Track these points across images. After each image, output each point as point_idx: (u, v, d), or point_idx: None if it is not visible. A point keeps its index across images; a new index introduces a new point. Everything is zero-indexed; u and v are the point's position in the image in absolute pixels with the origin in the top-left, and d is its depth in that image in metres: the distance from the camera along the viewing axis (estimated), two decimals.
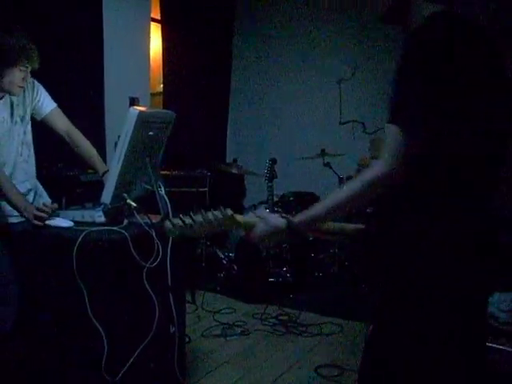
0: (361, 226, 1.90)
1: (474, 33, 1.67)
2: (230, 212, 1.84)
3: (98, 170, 3.07)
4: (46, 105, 3.09)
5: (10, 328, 2.88)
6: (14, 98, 2.94)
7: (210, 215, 1.83)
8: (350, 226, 1.93)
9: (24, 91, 2.97)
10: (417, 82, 1.57)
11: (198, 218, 1.82)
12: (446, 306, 1.60)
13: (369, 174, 1.65)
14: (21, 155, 3.00)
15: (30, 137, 3.06)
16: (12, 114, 2.94)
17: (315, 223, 1.84)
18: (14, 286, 2.83)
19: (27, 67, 2.79)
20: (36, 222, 2.61)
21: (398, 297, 1.67)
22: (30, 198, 3.06)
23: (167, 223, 1.81)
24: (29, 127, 3.05)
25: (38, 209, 2.63)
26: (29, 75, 2.84)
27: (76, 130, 3.15)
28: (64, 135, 3.11)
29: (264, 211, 1.94)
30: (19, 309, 2.88)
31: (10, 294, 2.85)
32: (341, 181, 5.22)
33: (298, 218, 1.82)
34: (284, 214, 1.86)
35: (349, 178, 5.44)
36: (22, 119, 2.99)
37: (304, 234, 1.86)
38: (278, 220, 1.84)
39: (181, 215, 1.81)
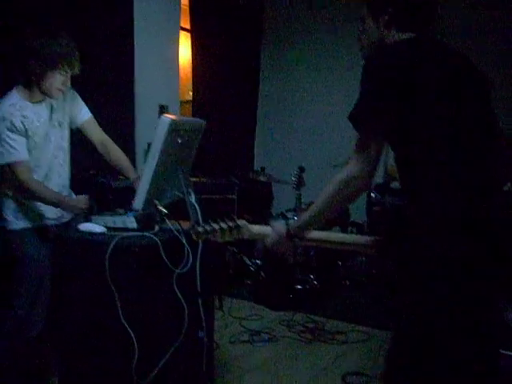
0: (379, 237, 2.03)
1: (430, 49, 1.87)
2: (243, 222, 2.07)
3: (130, 177, 3.13)
4: (83, 114, 3.19)
5: (38, 332, 2.95)
6: (54, 103, 3.03)
7: (224, 224, 2.07)
8: (363, 238, 2.09)
9: (64, 98, 3.07)
10: (364, 88, 1.88)
11: (215, 226, 2.07)
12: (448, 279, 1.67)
13: (340, 174, 1.88)
14: (56, 158, 3.08)
15: (66, 143, 3.15)
16: (51, 118, 3.02)
17: (309, 224, 2.04)
18: (48, 282, 2.91)
19: (67, 72, 2.87)
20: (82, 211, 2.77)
21: (409, 280, 1.76)
22: None
23: (193, 228, 2.10)
24: (66, 133, 3.13)
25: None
26: (69, 80, 2.92)
27: (109, 139, 3.24)
28: (98, 144, 3.21)
29: (276, 221, 2.11)
30: (48, 314, 2.96)
31: (40, 298, 2.93)
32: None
33: (294, 223, 2.06)
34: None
35: (376, 185, 5.43)
36: (60, 124, 3.08)
37: (301, 236, 2.05)
38: (280, 227, 2.08)
39: (202, 223, 2.11)
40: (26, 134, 2.84)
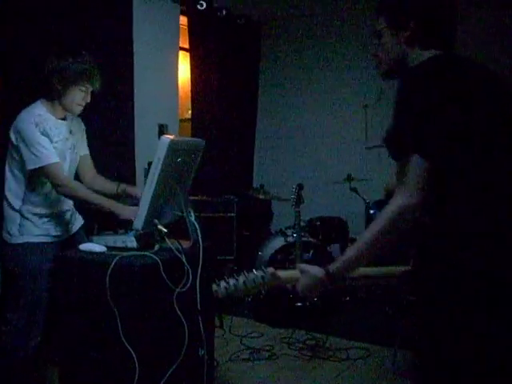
0: (407, 267, 1.93)
1: (462, 65, 1.78)
2: (271, 270, 1.90)
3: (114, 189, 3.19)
4: (84, 148, 3.29)
5: (34, 349, 2.93)
6: (72, 127, 3.12)
7: (252, 275, 1.89)
8: (396, 269, 1.98)
9: (79, 126, 3.20)
10: (402, 111, 1.74)
11: (241, 279, 1.89)
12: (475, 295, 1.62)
13: (391, 207, 1.68)
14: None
15: (75, 166, 3.21)
16: (67, 139, 3.09)
17: (351, 267, 1.83)
18: (47, 296, 2.92)
19: (88, 87, 2.98)
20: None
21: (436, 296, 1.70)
22: (68, 216, 3.18)
23: (214, 285, 1.91)
24: (77, 158, 3.21)
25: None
26: (89, 96, 3.02)
27: (99, 175, 3.32)
28: (89, 179, 3.26)
29: (304, 264, 1.93)
30: (49, 332, 2.95)
31: (38, 314, 2.92)
32: (367, 206, 5.23)
33: (334, 264, 1.82)
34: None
35: (376, 202, 5.45)
36: (74, 148, 3.15)
37: (343, 280, 1.86)
38: (316, 270, 1.85)
39: (225, 277, 1.90)
40: (52, 142, 2.92)
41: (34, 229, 2.99)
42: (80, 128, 3.23)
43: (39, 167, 2.85)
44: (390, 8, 1.91)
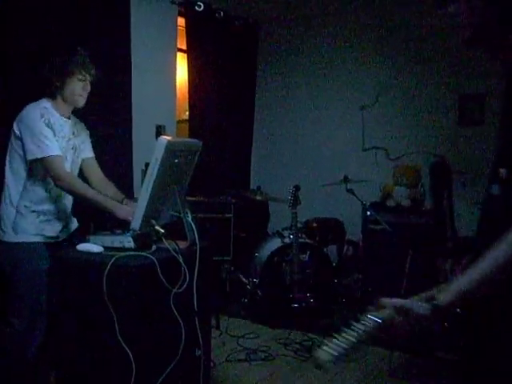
0: None
1: None
2: (377, 322, 1.56)
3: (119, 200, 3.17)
4: (88, 151, 3.31)
5: (36, 349, 2.94)
6: (75, 128, 3.15)
7: (360, 330, 1.54)
8: None
9: (82, 129, 3.23)
10: None
11: (351, 337, 1.49)
12: None
13: None
14: None
15: (77, 169, 3.23)
16: (69, 139, 3.11)
17: (465, 300, 1.47)
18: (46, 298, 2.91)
19: (85, 76, 3.02)
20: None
21: None
22: (64, 217, 3.18)
23: (319, 354, 1.43)
24: (78, 160, 3.22)
25: None
26: (88, 85, 3.06)
27: (106, 178, 3.32)
28: (95, 182, 3.26)
29: (398, 300, 1.53)
30: (46, 332, 2.95)
31: (39, 315, 2.92)
32: (364, 207, 5.24)
33: (445, 298, 1.46)
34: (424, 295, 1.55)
35: (372, 204, 5.46)
36: (75, 149, 3.17)
37: (454, 314, 1.50)
38: (420, 308, 1.48)
39: (327, 342, 1.45)
40: (55, 136, 2.94)
41: (29, 227, 2.98)
42: (83, 131, 3.26)
43: (40, 158, 2.86)
44: None
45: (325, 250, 5.23)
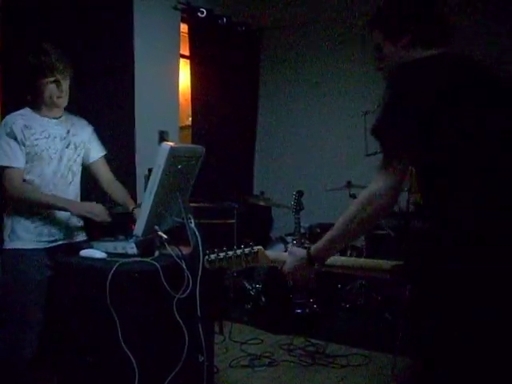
0: (399, 262, 1.93)
1: (457, 63, 1.82)
2: (259, 248, 2.03)
3: (129, 209, 3.15)
4: (95, 150, 3.27)
5: (31, 354, 2.91)
6: (71, 127, 3.11)
7: (239, 251, 2.04)
8: (387, 263, 1.97)
9: (83, 128, 3.19)
10: (390, 102, 1.80)
11: (230, 253, 2.05)
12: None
13: (362, 193, 1.77)
14: (63, 178, 3.08)
15: (78, 167, 3.18)
16: (65, 138, 3.06)
17: (330, 247, 1.92)
18: (38, 310, 2.89)
19: (56, 76, 2.91)
20: (87, 216, 2.82)
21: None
22: (63, 217, 3.11)
23: (206, 258, 2.10)
24: (79, 159, 3.18)
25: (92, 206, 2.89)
26: (64, 84, 2.95)
27: (115, 179, 3.29)
28: (104, 183, 3.25)
29: (292, 247, 2.15)
30: (41, 336, 2.92)
31: (30, 319, 2.89)
32: None
33: (315, 246, 1.94)
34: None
35: None
36: (76, 148, 3.13)
37: (323, 259, 1.95)
38: (300, 251, 2.00)
39: (216, 250, 2.06)
40: (23, 143, 2.88)
41: (24, 234, 2.94)
42: (85, 129, 3.20)
43: None
44: (387, 19, 1.98)
45: None
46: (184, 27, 5.89)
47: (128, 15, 4.97)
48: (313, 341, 4.48)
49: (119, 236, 2.90)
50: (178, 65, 5.84)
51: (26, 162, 2.90)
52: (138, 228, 2.64)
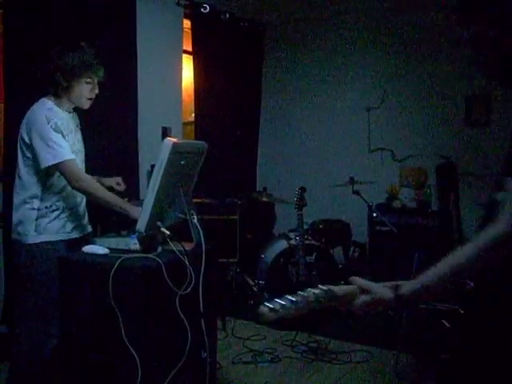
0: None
1: None
2: (331, 289, 1.67)
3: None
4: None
5: (51, 350, 2.92)
6: (77, 120, 3.14)
7: (311, 296, 1.65)
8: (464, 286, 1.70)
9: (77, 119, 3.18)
10: None
11: (298, 300, 1.63)
12: None
13: (488, 236, 1.47)
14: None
15: (83, 156, 3.20)
16: (77, 132, 3.11)
17: (426, 293, 1.60)
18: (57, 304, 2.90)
19: (92, 79, 2.97)
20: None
21: None
22: (81, 211, 3.17)
23: (263, 308, 1.55)
24: (83, 149, 3.20)
25: None
26: (96, 87, 3.01)
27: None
28: None
29: (372, 283, 1.66)
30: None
31: (53, 313, 2.90)
32: (370, 208, 5.23)
33: (408, 288, 1.58)
34: (389, 284, 1.63)
35: (378, 205, 5.45)
36: (79, 142, 3.15)
37: (414, 303, 1.73)
38: (383, 292, 1.62)
39: (277, 299, 1.58)
40: (65, 137, 2.91)
41: (50, 226, 2.96)
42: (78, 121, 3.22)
43: (54, 164, 2.84)
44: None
45: (331, 251, 5.22)
46: (187, 23, 5.88)
47: (131, 11, 4.96)
48: (315, 337, 4.48)
49: (122, 232, 2.89)
50: (181, 61, 5.83)
51: None
52: (141, 224, 2.64)
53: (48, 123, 2.84)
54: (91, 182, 2.93)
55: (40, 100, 2.96)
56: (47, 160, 2.83)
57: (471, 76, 5.46)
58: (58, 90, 2.95)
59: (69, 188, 2.99)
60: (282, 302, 1.58)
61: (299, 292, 1.62)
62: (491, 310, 1.61)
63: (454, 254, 1.51)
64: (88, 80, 2.95)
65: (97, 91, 3.03)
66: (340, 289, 1.69)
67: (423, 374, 3.77)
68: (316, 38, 6.62)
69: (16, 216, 2.99)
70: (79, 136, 3.14)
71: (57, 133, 2.85)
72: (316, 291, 1.64)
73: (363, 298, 1.65)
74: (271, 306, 1.55)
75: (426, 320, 3.62)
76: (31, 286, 2.95)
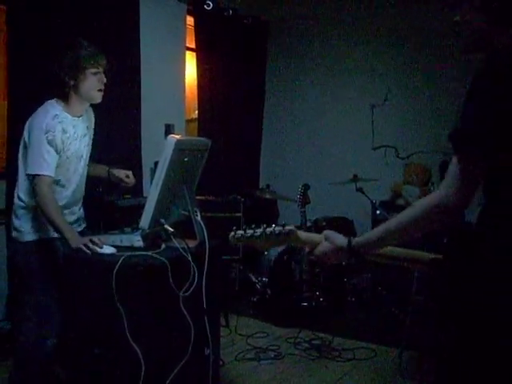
0: (438, 255, 1.85)
1: None
2: (292, 227, 1.89)
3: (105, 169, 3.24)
4: None
5: (53, 345, 2.93)
6: (88, 121, 3.12)
7: (271, 229, 1.89)
8: (426, 256, 1.88)
9: (92, 116, 3.18)
10: (473, 107, 1.58)
11: (260, 230, 1.89)
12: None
13: (427, 199, 1.65)
14: (82, 176, 3.13)
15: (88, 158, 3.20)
16: (85, 135, 3.08)
17: (376, 245, 1.83)
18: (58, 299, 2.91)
19: (98, 68, 2.93)
20: (85, 250, 2.71)
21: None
22: (77, 210, 3.17)
23: (231, 233, 1.91)
24: (89, 151, 3.19)
25: (91, 241, 2.73)
26: (103, 77, 2.97)
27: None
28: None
29: (330, 231, 1.92)
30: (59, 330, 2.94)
31: (54, 308, 2.91)
32: (373, 206, 5.22)
33: (360, 238, 1.84)
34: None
35: (382, 203, 5.45)
36: (89, 143, 3.15)
37: (364, 254, 1.86)
38: (340, 239, 1.88)
39: (244, 226, 1.90)
40: (61, 150, 2.88)
41: (45, 225, 2.94)
42: (92, 117, 3.20)
43: (31, 174, 2.83)
44: None
45: None
46: (190, 20, 5.88)
47: (134, 8, 4.96)
48: (319, 334, 4.47)
49: (125, 229, 2.89)
50: (185, 57, 5.83)
51: (57, 166, 2.90)
52: (144, 221, 2.64)
53: (45, 133, 2.81)
54: (50, 203, 2.83)
55: (48, 103, 2.93)
56: (30, 168, 2.83)
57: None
58: (66, 90, 2.91)
59: (67, 186, 3.01)
60: (247, 230, 1.89)
61: (264, 225, 1.90)
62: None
63: (401, 213, 1.71)
64: (94, 70, 2.91)
65: (105, 80, 2.98)
66: (306, 234, 1.97)
67: (427, 370, 3.77)
68: (319, 35, 6.60)
69: (14, 214, 3.00)
70: (87, 139, 3.11)
71: (50, 146, 2.83)
72: (279, 227, 1.89)
73: (323, 243, 1.90)
74: (239, 232, 1.90)
75: (429, 317, 3.62)
76: (30, 283, 2.96)
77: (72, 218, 3.13)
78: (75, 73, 2.88)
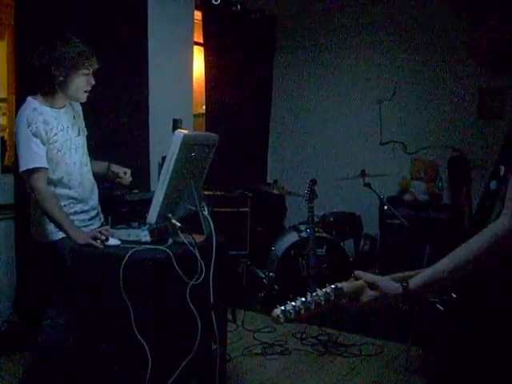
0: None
1: None
2: (340, 287, 1.65)
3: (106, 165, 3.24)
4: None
5: (73, 338, 2.92)
6: (74, 111, 3.08)
7: (321, 296, 1.61)
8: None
9: (79, 107, 3.14)
10: None
11: (309, 300, 1.59)
12: None
13: (497, 226, 1.50)
14: (85, 165, 3.11)
15: (84, 149, 3.16)
16: (73, 125, 3.05)
17: (434, 286, 1.61)
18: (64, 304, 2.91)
19: (89, 69, 2.91)
20: (95, 244, 2.71)
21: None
22: (92, 203, 3.16)
23: (276, 311, 1.54)
24: (85, 140, 3.16)
25: (100, 232, 2.74)
26: (92, 78, 2.95)
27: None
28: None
29: (378, 277, 1.68)
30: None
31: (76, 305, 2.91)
32: (381, 201, 5.21)
33: (416, 282, 1.60)
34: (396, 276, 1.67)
35: (390, 198, 5.43)
36: (81, 132, 3.11)
37: (422, 297, 1.77)
38: (391, 286, 1.64)
39: (288, 302, 1.55)
40: (47, 141, 2.86)
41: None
42: (77, 107, 3.15)
43: (22, 171, 2.81)
44: None
45: (342, 244, 5.21)
46: (198, 14, 5.87)
47: (142, 2, 4.96)
48: (326, 330, 4.47)
49: (133, 223, 2.89)
50: (192, 52, 5.82)
51: (49, 161, 2.88)
52: (152, 215, 2.64)
53: (28, 127, 2.79)
54: (49, 199, 2.82)
55: (26, 100, 2.91)
56: (23, 165, 2.81)
57: (484, 69, 5.41)
58: (53, 85, 2.88)
59: (76, 180, 3.00)
60: (294, 304, 1.55)
61: (308, 293, 1.59)
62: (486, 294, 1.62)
63: (461, 248, 1.54)
64: (85, 71, 2.90)
65: (93, 82, 2.96)
66: (348, 285, 1.68)
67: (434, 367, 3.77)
68: (327, 30, 6.58)
69: (36, 218, 2.99)
70: (78, 129, 3.08)
71: (36, 138, 2.81)
72: (325, 291, 1.61)
73: (370, 293, 1.66)
74: (283, 308, 1.54)
75: (435, 313, 3.60)
76: (55, 279, 2.96)
77: (90, 214, 3.13)
78: (68, 70, 2.85)
